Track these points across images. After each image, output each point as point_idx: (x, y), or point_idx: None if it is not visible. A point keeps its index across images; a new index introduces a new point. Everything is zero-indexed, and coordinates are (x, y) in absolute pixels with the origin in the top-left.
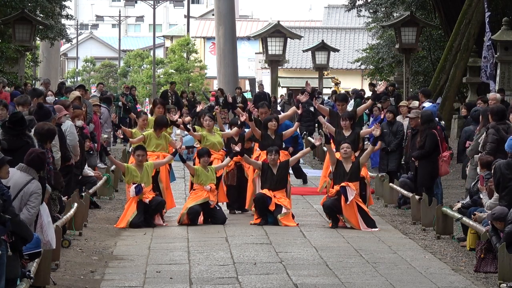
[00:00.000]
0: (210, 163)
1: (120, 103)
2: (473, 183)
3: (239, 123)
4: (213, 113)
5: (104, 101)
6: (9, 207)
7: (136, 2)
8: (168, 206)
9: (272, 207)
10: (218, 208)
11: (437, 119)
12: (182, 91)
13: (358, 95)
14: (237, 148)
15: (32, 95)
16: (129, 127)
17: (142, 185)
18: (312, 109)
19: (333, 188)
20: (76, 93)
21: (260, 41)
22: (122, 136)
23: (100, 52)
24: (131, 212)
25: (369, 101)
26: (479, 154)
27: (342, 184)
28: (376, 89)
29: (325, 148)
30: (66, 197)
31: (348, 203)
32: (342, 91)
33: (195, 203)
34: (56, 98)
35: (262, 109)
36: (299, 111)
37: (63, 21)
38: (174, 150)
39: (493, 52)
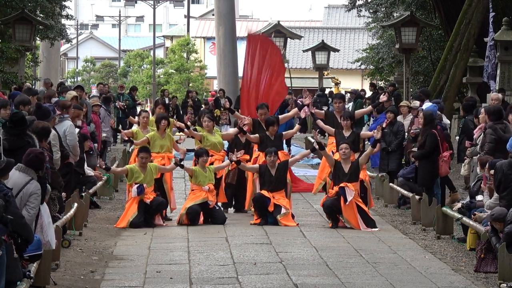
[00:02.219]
0: (211, 163)
1: (117, 103)
2: (473, 183)
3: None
4: (215, 115)
5: (104, 100)
6: (12, 208)
7: (136, 2)
8: (172, 208)
9: (271, 208)
10: (217, 208)
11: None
12: (188, 91)
13: (358, 95)
14: (234, 157)
15: (27, 95)
16: (129, 128)
17: (144, 185)
18: (325, 108)
19: (332, 188)
20: (73, 92)
21: None
22: (126, 138)
23: (100, 52)
24: (132, 212)
25: (369, 107)
26: (478, 154)
27: (341, 185)
28: (380, 98)
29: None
30: (65, 194)
31: (347, 203)
32: (342, 91)
33: (194, 203)
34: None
35: (262, 110)
36: (302, 115)
37: (63, 21)
38: (176, 162)
39: (495, 52)
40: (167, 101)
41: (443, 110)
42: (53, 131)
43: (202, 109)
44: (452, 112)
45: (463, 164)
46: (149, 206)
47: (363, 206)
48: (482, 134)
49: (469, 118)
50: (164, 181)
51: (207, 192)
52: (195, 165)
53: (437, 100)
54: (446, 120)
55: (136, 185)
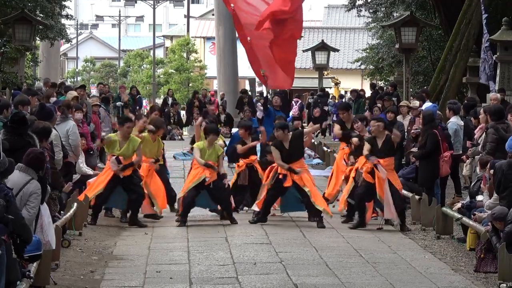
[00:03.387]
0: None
1: (118, 103)
2: (473, 184)
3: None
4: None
5: (103, 100)
6: (13, 209)
7: (136, 2)
8: (161, 205)
9: (288, 183)
10: (215, 183)
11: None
12: (194, 91)
13: (359, 95)
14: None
15: (27, 95)
16: None
17: (120, 158)
18: (326, 108)
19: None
20: (74, 93)
21: None
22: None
23: (100, 52)
24: (99, 187)
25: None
26: (480, 154)
27: (375, 162)
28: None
29: (325, 148)
30: (69, 184)
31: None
32: (342, 91)
33: (192, 185)
34: (57, 98)
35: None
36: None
37: (63, 21)
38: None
39: (492, 53)
40: (170, 101)
41: (459, 111)
42: (54, 131)
43: (204, 109)
44: None
45: (464, 164)
46: (122, 181)
47: (396, 186)
48: (484, 134)
49: (469, 118)
50: (146, 185)
51: (206, 168)
52: (191, 169)
53: (453, 100)
54: (460, 122)
55: (114, 157)
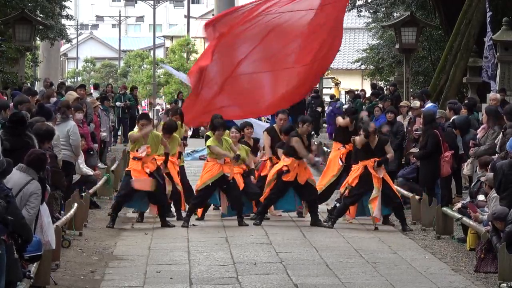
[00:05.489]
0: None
1: (118, 103)
2: (473, 184)
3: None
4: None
5: (100, 100)
6: (12, 209)
7: (136, 2)
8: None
9: (289, 178)
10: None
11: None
12: None
13: (356, 95)
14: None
15: (27, 95)
16: (130, 127)
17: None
18: (319, 109)
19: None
20: (74, 94)
21: None
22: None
23: (100, 52)
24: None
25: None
26: (496, 155)
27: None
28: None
29: (325, 148)
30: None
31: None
32: (342, 92)
33: (210, 180)
34: (56, 98)
35: (282, 115)
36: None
37: (63, 21)
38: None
39: (494, 52)
40: (180, 104)
41: (460, 111)
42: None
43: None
44: None
45: (465, 164)
46: (149, 175)
47: (391, 185)
48: (501, 134)
49: (472, 117)
50: (176, 184)
51: (222, 165)
52: (205, 166)
53: (453, 100)
54: None
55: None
